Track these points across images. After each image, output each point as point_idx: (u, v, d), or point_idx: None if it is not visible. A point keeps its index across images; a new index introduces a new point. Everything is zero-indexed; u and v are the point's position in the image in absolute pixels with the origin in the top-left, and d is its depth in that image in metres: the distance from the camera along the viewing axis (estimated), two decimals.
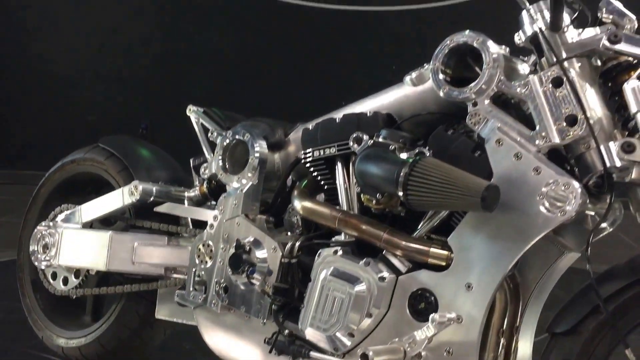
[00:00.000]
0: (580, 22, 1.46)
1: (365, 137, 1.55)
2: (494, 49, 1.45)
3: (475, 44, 1.46)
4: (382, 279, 1.46)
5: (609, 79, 1.42)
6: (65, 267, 2.17)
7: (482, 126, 1.44)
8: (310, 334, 1.55)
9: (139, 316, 2.10)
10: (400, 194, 1.37)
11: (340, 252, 1.54)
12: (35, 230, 2.23)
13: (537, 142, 1.37)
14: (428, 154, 1.47)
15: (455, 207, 1.40)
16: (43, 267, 2.20)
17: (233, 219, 1.77)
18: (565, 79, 1.36)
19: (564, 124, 1.35)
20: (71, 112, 5.73)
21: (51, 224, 2.20)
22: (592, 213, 1.47)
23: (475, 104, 1.45)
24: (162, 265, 1.97)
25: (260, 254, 1.68)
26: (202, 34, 5.43)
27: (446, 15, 5.07)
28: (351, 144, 1.57)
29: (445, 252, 1.43)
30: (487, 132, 1.42)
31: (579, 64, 1.41)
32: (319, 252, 1.58)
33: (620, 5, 1.46)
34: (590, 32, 1.42)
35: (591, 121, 1.33)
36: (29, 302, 2.38)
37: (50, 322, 2.31)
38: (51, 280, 2.27)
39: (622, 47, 1.37)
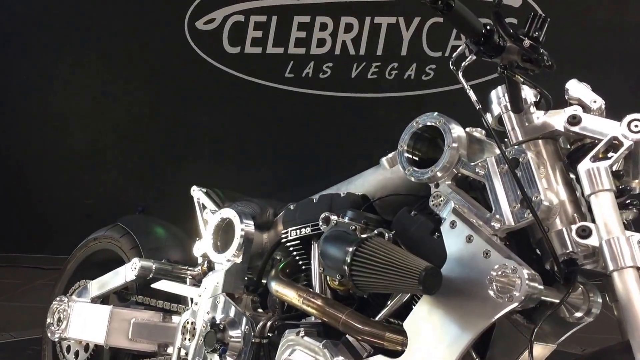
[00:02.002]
0: (547, 104, 1.44)
1: (333, 217, 1.55)
2: (457, 131, 1.44)
3: (437, 125, 1.46)
4: None
5: (575, 161, 1.37)
6: (75, 340, 2.23)
7: (442, 207, 1.41)
8: None
9: None
10: (347, 274, 1.35)
11: (302, 333, 1.51)
12: (52, 304, 2.32)
13: (493, 224, 1.33)
14: (387, 236, 1.45)
15: (397, 289, 1.36)
16: (55, 340, 2.28)
17: (214, 297, 1.78)
18: (520, 160, 1.33)
19: (519, 206, 1.31)
20: (68, 196, 5.67)
21: (65, 298, 2.29)
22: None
23: (437, 185, 1.43)
24: (156, 342, 2.00)
25: (234, 332, 1.68)
26: (198, 118, 5.51)
27: (445, 100, 4.96)
28: (320, 224, 1.58)
29: (400, 337, 1.38)
30: (445, 213, 1.40)
31: (543, 146, 1.37)
32: (284, 332, 1.56)
33: (586, 87, 1.43)
34: (553, 113, 1.39)
35: (546, 203, 1.28)
36: None
37: None
38: (65, 354, 2.34)
39: (581, 128, 1.34)
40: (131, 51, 5.52)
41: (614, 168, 1.36)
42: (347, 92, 5.30)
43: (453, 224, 1.36)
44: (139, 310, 2.06)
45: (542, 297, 1.28)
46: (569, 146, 1.41)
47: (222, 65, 5.41)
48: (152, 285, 2.04)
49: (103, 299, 2.28)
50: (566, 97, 1.43)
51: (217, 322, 1.70)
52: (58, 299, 2.30)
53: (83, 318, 2.16)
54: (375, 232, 1.46)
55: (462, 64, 1.37)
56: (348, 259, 1.34)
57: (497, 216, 1.33)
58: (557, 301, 1.36)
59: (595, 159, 1.26)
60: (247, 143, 5.41)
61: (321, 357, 1.45)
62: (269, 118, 5.39)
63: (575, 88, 1.42)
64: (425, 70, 5.11)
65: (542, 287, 1.26)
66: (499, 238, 1.34)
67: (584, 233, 1.24)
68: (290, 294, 1.59)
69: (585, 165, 1.24)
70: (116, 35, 5.50)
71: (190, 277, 2.08)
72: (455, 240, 1.35)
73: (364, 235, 1.42)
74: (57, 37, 5.54)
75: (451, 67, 1.39)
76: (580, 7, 5.08)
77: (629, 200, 1.32)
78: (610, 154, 1.26)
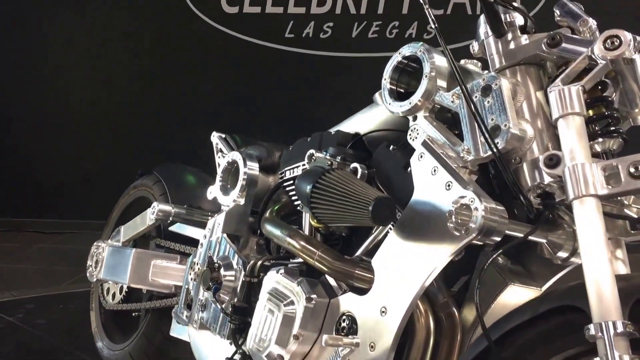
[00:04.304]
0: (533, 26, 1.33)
1: (317, 154, 1.52)
2: (437, 60, 1.35)
3: (417, 54, 1.38)
4: (310, 299, 1.40)
5: None
6: (107, 281, 2.34)
7: (417, 141, 1.34)
8: (253, 355, 1.52)
9: (162, 333, 2.19)
10: (308, 206, 1.32)
11: (281, 271, 1.50)
12: (92, 248, 2.44)
13: (462, 156, 1.25)
14: (361, 171, 1.40)
15: (352, 220, 1.31)
16: (93, 281, 2.40)
17: (215, 238, 1.80)
18: (493, 87, 1.23)
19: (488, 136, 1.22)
20: (67, 160, 5.69)
21: (102, 243, 2.39)
22: (544, 240, 1.29)
23: (415, 118, 1.36)
24: (173, 283, 2.05)
25: (228, 272, 1.69)
26: (195, 80, 5.37)
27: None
28: (305, 162, 1.55)
29: (368, 275, 1.33)
30: (417, 146, 1.33)
31: (524, 72, 1.27)
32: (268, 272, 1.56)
33: (576, 7, 1.30)
34: (535, 37, 1.28)
35: (514, 132, 1.18)
36: (94, 316, 2.59)
37: (104, 334, 2.50)
38: (105, 295, 2.47)
39: (560, 49, 1.22)
40: (127, 11, 5.44)
41: (612, 97, 1.25)
42: (348, 52, 5.11)
43: (421, 156, 1.29)
44: (158, 253, 2.13)
45: (508, 232, 1.19)
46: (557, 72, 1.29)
47: (220, 25, 5.29)
48: (170, 229, 2.09)
49: (136, 243, 2.37)
50: (556, 19, 1.31)
51: (214, 261, 1.72)
52: (95, 243, 2.41)
53: (112, 260, 2.26)
54: (351, 167, 1.42)
55: None
56: (308, 191, 1.31)
57: (467, 147, 1.24)
58: (545, 241, 1.27)
59: (568, 80, 1.14)
60: (246, 105, 5.30)
61: (296, 294, 1.43)
62: (268, 79, 5.24)
63: (565, 9, 1.30)
64: (427, 29, 4.87)
65: (505, 220, 1.17)
66: (471, 171, 1.26)
67: (551, 162, 1.14)
68: (276, 233, 1.57)
69: (555, 88, 1.13)
70: None
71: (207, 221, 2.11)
72: (421, 172, 1.28)
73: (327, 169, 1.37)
74: None
75: None
76: None
77: (613, 128, 1.20)
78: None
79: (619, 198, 1.19)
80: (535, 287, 1.34)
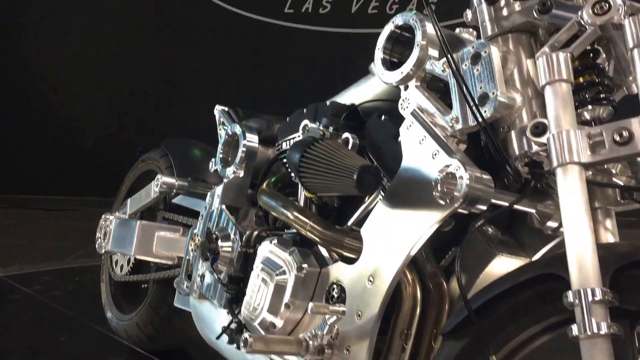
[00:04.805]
0: None
1: (311, 125, 1.52)
2: (429, 29, 1.33)
3: (410, 22, 1.36)
4: (300, 268, 1.40)
5: None
6: (115, 253, 2.37)
7: (407, 110, 1.33)
8: (247, 323, 1.54)
9: (167, 304, 2.22)
10: (297, 175, 1.32)
11: (274, 242, 1.51)
12: (100, 220, 2.47)
13: (451, 125, 1.24)
14: (352, 141, 1.39)
15: (337, 189, 1.31)
16: (102, 252, 2.43)
17: (215, 209, 1.81)
18: (482, 54, 1.21)
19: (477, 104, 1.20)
20: (69, 138, 5.73)
21: (110, 215, 2.42)
22: (533, 210, 1.28)
23: (406, 88, 1.35)
24: (176, 255, 2.08)
25: (225, 243, 1.71)
26: (195, 56, 5.34)
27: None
28: (300, 133, 1.55)
29: (357, 244, 1.34)
30: (407, 116, 1.32)
31: (515, 40, 1.25)
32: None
33: None
34: (528, 3, 1.25)
35: (502, 100, 1.17)
36: (104, 287, 2.64)
37: (114, 305, 2.54)
38: (114, 267, 2.51)
39: (551, 15, 1.20)
40: None
41: (604, 65, 1.23)
42: (347, 28, 5.04)
43: (410, 126, 1.28)
44: (163, 225, 2.15)
45: (495, 201, 1.18)
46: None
47: (220, 2, 5.28)
48: (175, 201, 2.11)
49: (143, 215, 2.40)
50: None
51: (212, 232, 1.73)
52: (104, 216, 2.45)
53: (119, 232, 2.29)
54: (343, 137, 1.41)
55: None
56: (297, 160, 1.32)
57: (455, 116, 1.23)
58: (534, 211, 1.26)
59: (557, 47, 1.12)
60: (246, 81, 5.26)
61: (288, 264, 1.44)
62: (268, 55, 5.21)
63: None
64: (428, 2, 4.78)
65: (490, 189, 1.16)
66: (460, 141, 1.25)
67: (537, 130, 1.13)
68: (271, 204, 1.58)
69: (542, 54, 1.11)
70: None
71: None
72: (410, 142, 1.27)
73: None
74: None
75: None
76: None
77: (603, 95, 1.17)
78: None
79: (605, 167, 1.17)
80: (524, 257, 1.33)
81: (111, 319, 2.51)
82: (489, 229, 1.35)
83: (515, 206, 1.23)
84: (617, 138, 1.02)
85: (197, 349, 2.32)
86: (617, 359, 0.98)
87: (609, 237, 1.19)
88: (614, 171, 1.19)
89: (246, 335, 1.27)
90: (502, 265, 1.31)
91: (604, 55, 1.22)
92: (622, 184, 1.16)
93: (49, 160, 5.76)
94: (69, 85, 5.76)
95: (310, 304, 1.28)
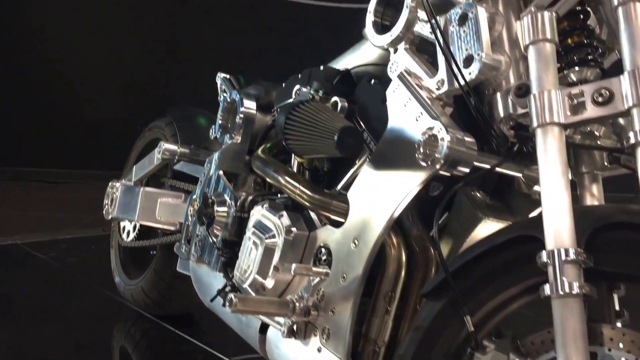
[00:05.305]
0: None
1: (302, 89, 1.51)
2: None
3: None
4: (289, 232, 1.41)
5: None
6: (121, 219, 2.41)
7: (394, 74, 1.32)
8: (238, 285, 1.55)
9: (171, 269, 2.25)
10: (282, 137, 1.32)
11: (266, 206, 1.52)
12: (107, 187, 2.50)
13: (437, 88, 1.23)
14: (341, 105, 1.39)
15: (320, 151, 1.31)
16: (109, 218, 2.47)
17: (212, 175, 1.83)
18: (469, 15, 1.19)
19: (462, 66, 1.19)
20: (69, 111, 5.76)
21: (117, 183, 2.45)
22: (519, 174, 1.26)
23: (395, 51, 1.34)
24: (178, 220, 2.10)
25: (220, 208, 1.72)
26: (195, 30, 5.32)
27: None
28: (293, 97, 1.54)
29: (344, 207, 1.34)
30: (394, 79, 1.30)
31: (504, 0, 1.23)
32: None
33: None
34: None
35: (487, 61, 1.15)
36: (113, 253, 2.69)
37: (122, 270, 2.59)
38: (122, 233, 2.54)
39: None
40: None
41: (594, 28, 1.20)
42: (344, 2, 4.96)
43: (396, 89, 1.27)
44: (165, 191, 2.17)
45: (478, 164, 1.17)
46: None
47: None
48: (177, 168, 2.13)
49: (148, 182, 2.43)
50: None
51: (208, 197, 1.75)
52: (111, 183, 2.48)
53: (124, 199, 2.32)
54: (332, 100, 1.41)
55: None
56: (282, 122, 1.31)
57: (441, 79, 1.22)
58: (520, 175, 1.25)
59: (543, 6, 1.10)
60: (245, 55, 5.25)
61: (277, 227, 1.44)
62: (266, 30, 5.19)
63: None
64: None
65: (473, 151, 1.15)
66: (445, 103, 1.23)
67: (520, 91, 1.11)
68: (263, 169, 1.58)
69: (527, 13, 1.09)
70: None
71: None
72: (395, 104, 1.26)
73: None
74: None
75: None
76: None
77: (591, 57, 1.15)
78: None
79: (589, 129, 1.15)
80: (511, 222, 1.31)
81: (119, 283, 2.56)
82: (477, 194, 1.34)
83: (502, 170, 1.22)
84: (598, 98, 1.00)
85: (203, 314, 2.36)
86: (593, 321, 0.98)
87: (594, 202, 1.17)
88: (598, 134, 1.17)
89: (231, 295, 1.28)
90: (488, 229, 1.30)
91: (596, 19, 1.20)
92: (605, 146, 1.14)
93: (52, 133, 5.82)
94: (73, 58, 5.80)
95: (294, 265, 1.28)
